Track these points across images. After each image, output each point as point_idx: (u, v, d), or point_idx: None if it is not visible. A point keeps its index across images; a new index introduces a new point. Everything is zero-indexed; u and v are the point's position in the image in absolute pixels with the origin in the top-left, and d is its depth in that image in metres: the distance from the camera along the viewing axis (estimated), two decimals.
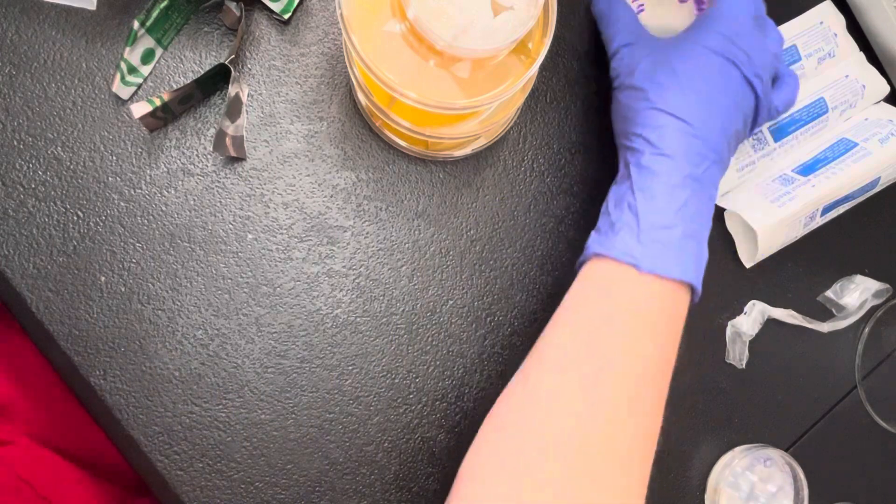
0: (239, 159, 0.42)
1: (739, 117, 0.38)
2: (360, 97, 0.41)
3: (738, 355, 0.48)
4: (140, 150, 0.41)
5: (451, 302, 0.44)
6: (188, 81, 0.40)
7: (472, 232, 0.45)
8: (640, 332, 0.34)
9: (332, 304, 0.42)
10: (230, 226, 0.42)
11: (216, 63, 0.41)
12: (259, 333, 0.41)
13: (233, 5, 0.41)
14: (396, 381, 0.43)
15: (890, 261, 0.52)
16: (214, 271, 0.41)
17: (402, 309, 0.43)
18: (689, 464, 0.48)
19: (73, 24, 0.41)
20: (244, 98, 0.42)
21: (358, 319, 0.43)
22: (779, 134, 0.47)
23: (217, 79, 0.41)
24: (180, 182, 0.41)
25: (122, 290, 0.40)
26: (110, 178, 0.41)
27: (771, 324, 0.49)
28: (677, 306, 0.35)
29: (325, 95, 0.43)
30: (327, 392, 0.42)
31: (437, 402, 0.43)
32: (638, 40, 0.40)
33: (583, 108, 0.47)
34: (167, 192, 0.41)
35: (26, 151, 0.40)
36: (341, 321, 0.42)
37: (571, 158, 0.46)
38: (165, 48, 0.42)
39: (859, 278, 0.50)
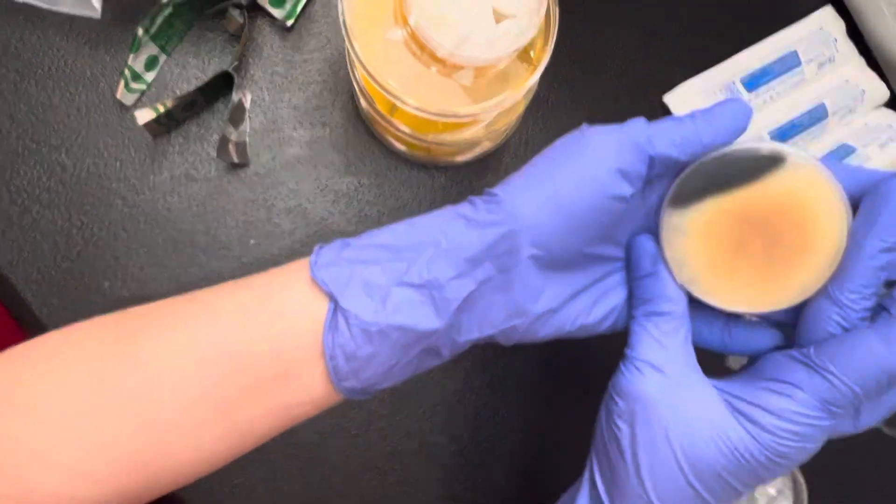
0: (242, 165, 0.42)
1: None
2: (363, 103, 0.41)
3: (736, 357, 0.48)
4: (144, 156, 0.41)
5: None
6: (192, 88, 0.40)
7: None
8: None
9: None
10: (233, 231, 0.42)
11: (219, 70, 0.41)
12: None
13: (236, 12, 0.42)
14: (397, 385, 0.43)
15: None
16: (217, 276, 0.42)
17: None
18: None
19: (76, 32, 0.41)
20: (247, 104, 0.42)
21: None
22: (779, 139, 0.47)
23: (220, 85, 0.41)
24: (184, 188, 0.42)
25: (126, 295, 0.41)
26: (114, 184, 0.41)
27: None
28: None
29: (328, 101, 0.43)
30: None
31: (439, 407, 0.43)
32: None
33: (585, 116, 0.47)
34: (170, 197, 0.42)
35: (31, 158, 0.40)
36: None
37: None
38: (169, 55, 0.42)
39: None
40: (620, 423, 0.28)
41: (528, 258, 0.27)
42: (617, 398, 0.28)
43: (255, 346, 0.26)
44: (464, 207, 0.28)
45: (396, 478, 0.42)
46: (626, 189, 0.27)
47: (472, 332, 0.28)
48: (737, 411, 0.27)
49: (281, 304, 0.27)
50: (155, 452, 0.26)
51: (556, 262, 0.28)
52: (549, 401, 0.45)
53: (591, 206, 0.27)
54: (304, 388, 0.27)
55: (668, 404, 0.27)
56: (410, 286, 0.26)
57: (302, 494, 0.41)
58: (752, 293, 0.28)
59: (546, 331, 0.29)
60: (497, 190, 0.28)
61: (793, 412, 0.26)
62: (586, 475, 0.30)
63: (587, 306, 0.30)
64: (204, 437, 0.26)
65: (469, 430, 0.44)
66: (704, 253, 0.28)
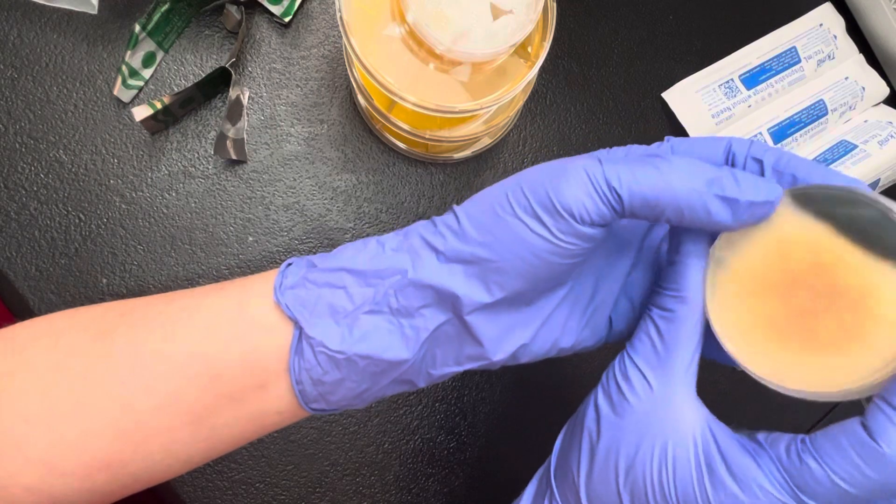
0: (240, 162, 0.42)
1: None
2: (360, 100, 0.41)
3: None
4: (141, 152, 0.41)
5: None
6: (189, 84, 0.40)
7: None
8: None
9: None
10: (231, 228, 0.42)
11: (217, 66, 0.41)
12: None
13: (233, 8, 0.42)
14: None
15: None
16: (216, 273, 0.42)
17: None
18: None
19: (74, 28, 0.41)
20: (245, 101, 0.42)
21: None
22: (778, 137, 0.47)
23: (218, 82, 0.41)
24: (181, 184, 0.42)
25: (124, 291, 0.41)
26: (112, 181, 0.41)
27: None
28: None
29: (326, 98, 0.43)
30: None
31: (437, 404, 0.43)
32: None
33: (583, 111, 0.47)
34: (168, 194, 0.41)
35: (28, 154, 0.40)
36: None
37: None
38: (166, 51, 0.42)
39: None
40: (591, 418, 0.25)
41: (495, 301, 0.25)
42: (601, 390, 0.26)
43: (229, 355, 0.26)
44: (434, 237, 0.26)
45: (395, 474, 0.42)
46: (588, 233, 0.24)
47: (448, 364, 0.27)
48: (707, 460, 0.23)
49: (255, 316, 0.27)
50: (129, 452, 0.26)
51: (522, 296, 0.26)
52: (549, 396, 0.45)
53: (551, 250, 0.24)
54: (275, 401, 0.27)
55: (637, 425, 0.24)
56: (379, 314, 0.26)
57: (300, 490, 0.41)
58: (793, 358, 0.23)
59: (526, 359, 0.28)
60: (463, 222, 0.26)
61: (758, 484, 0.22)
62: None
63: (556, 330, 0.28)
64: (177, 440, 0.26)
65: (468, 427, 0.44)
66: (743, 285, 0.24)
